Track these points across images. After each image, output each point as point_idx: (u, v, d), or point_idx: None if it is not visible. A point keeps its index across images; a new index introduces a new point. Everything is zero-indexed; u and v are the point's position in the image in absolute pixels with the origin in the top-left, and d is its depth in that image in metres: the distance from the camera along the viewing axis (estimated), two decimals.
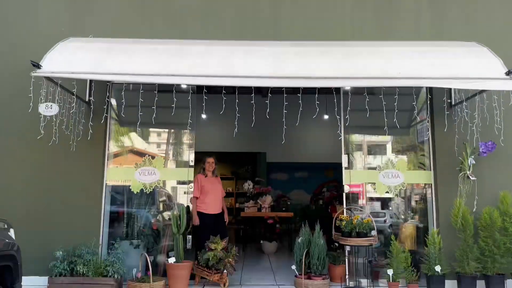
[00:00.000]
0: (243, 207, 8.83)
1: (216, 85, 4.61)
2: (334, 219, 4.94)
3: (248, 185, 8.68)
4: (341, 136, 5.31)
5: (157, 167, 5.07)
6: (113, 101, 5.39)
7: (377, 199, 5.83)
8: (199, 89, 5.07)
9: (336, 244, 5.36)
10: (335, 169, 17.54)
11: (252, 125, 4.95)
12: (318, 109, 4.97)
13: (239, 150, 16.00)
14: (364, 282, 4.83)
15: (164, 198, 6.56)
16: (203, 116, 15.52)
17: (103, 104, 5.05)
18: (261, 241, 7.97)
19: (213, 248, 4.66)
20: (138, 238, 5.14)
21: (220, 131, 16.20)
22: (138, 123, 5.50)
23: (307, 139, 16.43)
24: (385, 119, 4.90)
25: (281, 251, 8.21)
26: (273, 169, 17.81)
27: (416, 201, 5.58)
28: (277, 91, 5.71)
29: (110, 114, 5.26)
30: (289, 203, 8.57)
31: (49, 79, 4.37)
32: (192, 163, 5.15)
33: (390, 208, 5.96)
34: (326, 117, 15.65)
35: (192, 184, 5.16)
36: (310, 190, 17.75)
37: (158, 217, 5.75)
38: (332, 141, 15.84)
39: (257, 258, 7.34)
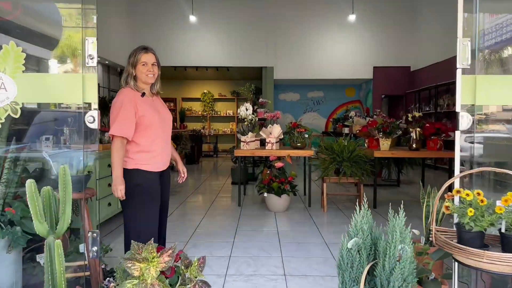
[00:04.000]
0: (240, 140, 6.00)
1: None
2: (437, 197, 2.04)
3: (245, 110, 5.73)
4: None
5: (8, 71, 2.10)
6: None
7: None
8: None
9: (415, 232, 2.60)
10: (358, 87, 14.45)
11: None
12: None
13: (241, 64, 12.85)
14: None
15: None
16: (192, 18, 12.15)
17: None
18: (265, 194, 5.25)
19: (137, 272, 1.86)
20: None
21: (217, 40, 12.95)
22: None
23: (324, 49, 13.18)
24: None
25: (295, 208, 5.53)
26: (282, 88, 14.76)
27: None
28: None
29: None
30: (306, 135, 5.67)
31: None
32: (91, 64, 2.12)
33: None
34: (352, 18, 12.21)
35: (94, 113, 2.19)
36: (326, 113, 14.86)
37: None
38: (356, 51, 12.52)
39: (259, 223, 4.65)
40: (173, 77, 14.25)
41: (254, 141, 5.72)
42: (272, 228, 4.49)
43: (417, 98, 11.59)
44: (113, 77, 11.66)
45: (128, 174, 2.47)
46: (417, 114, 5.46)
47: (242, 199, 5.96)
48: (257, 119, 5.97)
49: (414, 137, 5.40)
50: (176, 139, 9.63)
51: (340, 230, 4.36)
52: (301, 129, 5.65)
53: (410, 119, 5.52)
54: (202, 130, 14.12)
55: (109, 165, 2.84)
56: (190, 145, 11.88)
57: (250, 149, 5.62)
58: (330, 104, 14.29)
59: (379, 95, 12.76)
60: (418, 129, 5.39)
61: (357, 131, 5.95)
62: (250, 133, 5.61)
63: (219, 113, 14.66)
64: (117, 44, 10.98)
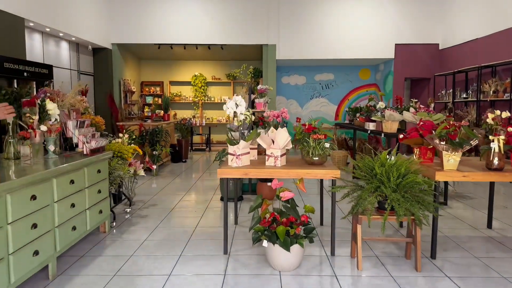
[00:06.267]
0: (224, 152, 4.06)
1: None
2: None
3: (235, 105, 3.75)
4: None
5: None
6: None
7: None
8: None
9: None
10: (374, 69, 12.37)
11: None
12: None
13: (238, 42, 10.63)
14: None
15: None
16: None
17: None
18: (264, 242, 3.33)
19: None
20: None
21: (208, 13, 10.87)
22: None
23: (336, 24, 11.03)
24: None
25: (310, 259, 3.62)
26: (286, 70, 12.60)
27: None
28: None
29: None
30: (327, 145, 3.73)
31: None
32: None
33: None
34: None
35: None
36: (336, 99, 12.83)
37: None
38: (375, 26, 10.10)
39: None
40: (157, 57, 12.18)
41: (248, 153, 3.78)
42: None
43: (450, 82, 9.58)
44: (84, 57, 9.63)
45: None
46: (504, 114, 3.49)
47: (231, 240, 4.08)
48: (252, 118, 4.02)
49: (497, 149, 3.45)
50: (155, 135, 7.68)
51: None
52: (320, 135, 3.70)
53: (490, 120, 3.56)
54: (192, 118, 12.17)
55: None
56: (177, 138, 9.95)
57: (243, 166, 3.69)
58: (342, 88, 12.27)
59: (401, 77, 10.75)
60: (502, 137, 3.44)
61: (403, 136, 3.96)
62: (242, 142, 3.67)
63: (212, 99, 12.67)
64: (87, 18, 8.92)
